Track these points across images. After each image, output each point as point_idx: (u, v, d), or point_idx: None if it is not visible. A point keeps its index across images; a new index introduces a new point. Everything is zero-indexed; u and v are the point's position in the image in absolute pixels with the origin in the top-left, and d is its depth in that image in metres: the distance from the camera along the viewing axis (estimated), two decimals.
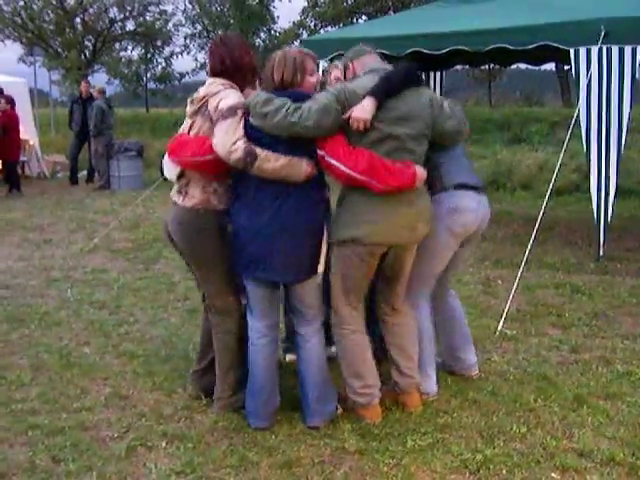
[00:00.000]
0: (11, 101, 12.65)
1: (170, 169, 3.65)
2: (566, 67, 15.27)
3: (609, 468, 3.23)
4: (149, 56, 35.28)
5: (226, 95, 3.44)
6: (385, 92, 3.36)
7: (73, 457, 3.34)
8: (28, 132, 14.25)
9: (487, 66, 26.57)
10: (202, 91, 3.55)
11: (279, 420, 3.67)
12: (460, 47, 7.52)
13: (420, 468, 3.24)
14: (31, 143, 14.69)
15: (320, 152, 3.38)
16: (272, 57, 3.50)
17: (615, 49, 6.61)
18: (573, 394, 4.01)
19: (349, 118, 3.33)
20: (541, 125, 18.67)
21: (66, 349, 4.80)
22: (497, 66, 25.17)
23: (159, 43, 34.80)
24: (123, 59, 35.15)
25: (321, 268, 3.53)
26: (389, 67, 3.58)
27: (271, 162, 3.31)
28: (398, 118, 3.40)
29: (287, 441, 3.50)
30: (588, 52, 6.70)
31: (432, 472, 3.21)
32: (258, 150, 3.30)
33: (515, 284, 5.47)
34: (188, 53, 34.89)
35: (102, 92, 13.66)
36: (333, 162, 3.36)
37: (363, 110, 3.31)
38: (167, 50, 35.37)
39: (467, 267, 6.77)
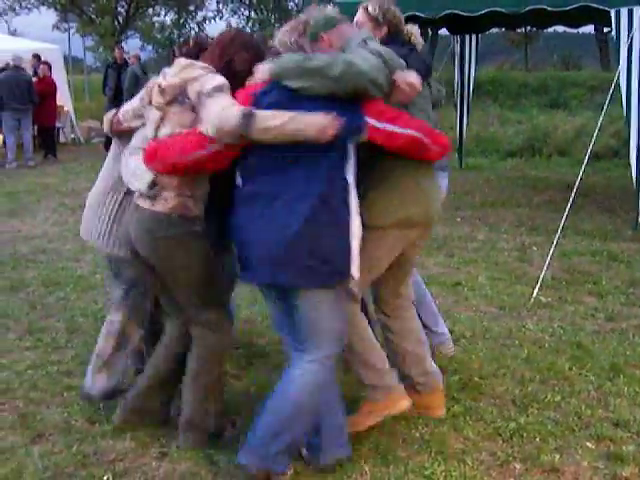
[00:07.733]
0: (50, 68, 12.77)
1: (142, 177, 2.95)
2: (606, 29, 14.83)
3: None
4: (182, 21, 35.16)
5: (211, 78, 2.85)
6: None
7: (108, 419, 3.37)
8: (63, 98, 14.34)
9: (523, 29, 26.02)
10: (176, 78, 2.92)
11: None
12: (496, 9, 7.32)
13: (452, 435, 3.22)
14: (65, 109, 14.80)
15: (370, 121, 2.79)
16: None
17: None
18: (609, 363, 3.95)
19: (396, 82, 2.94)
20: (579, 89, 18.28)
21: (100, 312, 4.84)
22: (534, 29, 24.75)
23: (192, 8, 34.64)
24: (156, 24, 35.09)
25: None
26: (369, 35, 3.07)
27: (273, 120, 2.65)
28: None
29: None
30: (630, 13, 6.48)
31: (464, 439, 3.20)
32: (254, 110, 2.69)
33: (551, 251, 5.39)
34: (221, 18, 34.68)
35: (137, 58, 13.72)
36: (388, 127, 2.84)
37: (417, 77, 2.95)
38: (200, 15, 35.23)
39: (502, 233, 6.70)
